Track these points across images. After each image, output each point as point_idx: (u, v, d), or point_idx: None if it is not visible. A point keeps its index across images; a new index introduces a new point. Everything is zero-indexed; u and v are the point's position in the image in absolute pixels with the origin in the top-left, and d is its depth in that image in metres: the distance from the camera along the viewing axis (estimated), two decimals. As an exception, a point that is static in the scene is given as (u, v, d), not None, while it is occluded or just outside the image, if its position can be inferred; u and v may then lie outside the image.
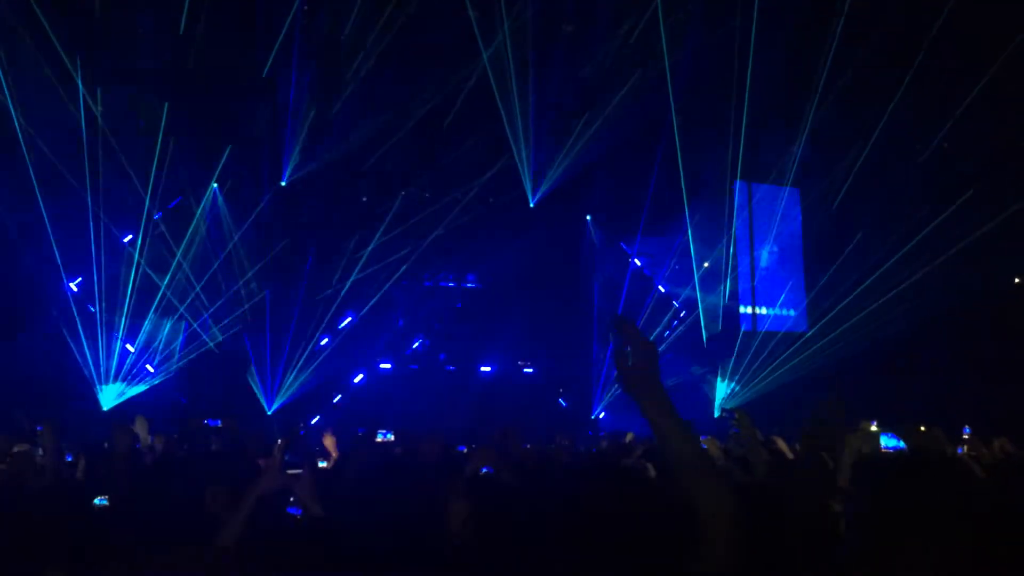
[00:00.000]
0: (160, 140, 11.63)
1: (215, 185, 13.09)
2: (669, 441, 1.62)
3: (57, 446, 3.89)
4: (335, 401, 14.29)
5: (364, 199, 13.92)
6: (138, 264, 12.26)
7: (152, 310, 12.58)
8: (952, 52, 11.42)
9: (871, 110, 12.75)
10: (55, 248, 11.44)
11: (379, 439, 6.66)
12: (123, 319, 12.31)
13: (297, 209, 13.58)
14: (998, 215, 12.44)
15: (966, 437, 7.20)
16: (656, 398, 1.61)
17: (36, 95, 10.90)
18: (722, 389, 15.01)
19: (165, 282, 12.50)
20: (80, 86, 10.97)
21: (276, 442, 6.75)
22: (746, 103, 12.66)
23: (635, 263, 15.62)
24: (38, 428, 4.19)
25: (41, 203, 11.01)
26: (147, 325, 12.65)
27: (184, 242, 12.74)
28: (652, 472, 4.24)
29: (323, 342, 14.00)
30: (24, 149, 10.78)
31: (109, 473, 4.09)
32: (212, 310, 13.14)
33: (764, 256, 16.09)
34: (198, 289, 12.87)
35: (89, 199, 11.44)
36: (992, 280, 13.22)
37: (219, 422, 6.22)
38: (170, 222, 12.72)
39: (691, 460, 1.62)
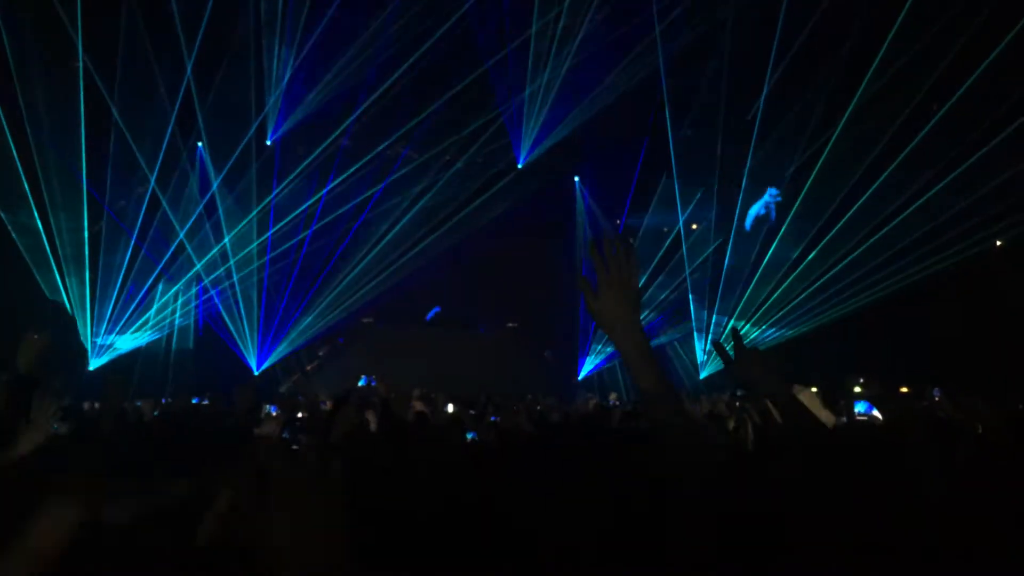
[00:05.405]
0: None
1: (200, 144, 12.98)
2: (640, 380, 1.54)
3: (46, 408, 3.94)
4: (308, 369, 14.43)
5: (351, 158, 13.79)
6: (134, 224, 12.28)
7: (153, 276, 12.61)
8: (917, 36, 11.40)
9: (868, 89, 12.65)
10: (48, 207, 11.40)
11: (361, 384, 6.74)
12: (118, 283, 12.32)
13: (285, 167, 13.47)
14: (981, 179, 12.50)
15: (936, 399, 7.37)
16: (630, 333, 1.53)
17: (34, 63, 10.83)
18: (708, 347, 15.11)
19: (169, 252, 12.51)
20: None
21: (262, 407, 6.85)
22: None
23: (623, 224, 15.63)
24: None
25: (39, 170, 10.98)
26: (139, 288, 12.65)
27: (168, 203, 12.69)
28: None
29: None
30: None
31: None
32: (199, 269, 13.14)
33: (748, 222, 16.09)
34: (188, 248, 12.87)
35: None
36: (974, 245, 13.31)
37: (204, 399, 6.33)
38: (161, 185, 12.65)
39: (661, 398, 1.53)
